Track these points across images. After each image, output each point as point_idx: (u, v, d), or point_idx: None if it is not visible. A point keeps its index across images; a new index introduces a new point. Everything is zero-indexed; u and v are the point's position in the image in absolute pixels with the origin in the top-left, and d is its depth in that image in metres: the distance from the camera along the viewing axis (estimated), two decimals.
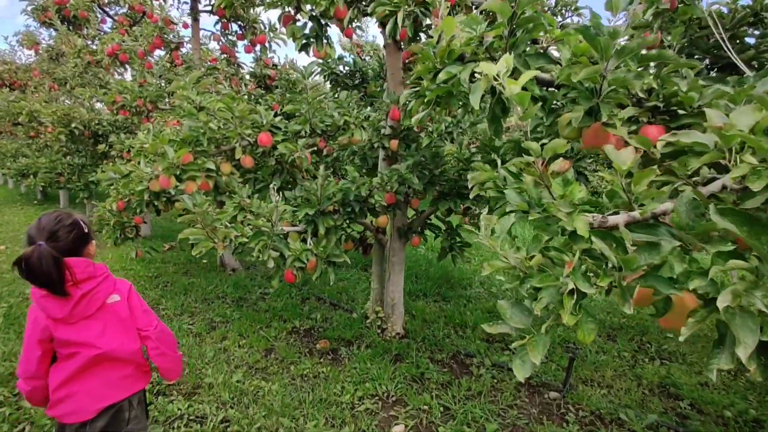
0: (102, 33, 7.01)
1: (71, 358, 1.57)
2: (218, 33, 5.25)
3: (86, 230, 1.60)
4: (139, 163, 3.05)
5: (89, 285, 1.55)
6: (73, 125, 5.86)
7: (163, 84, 6.22)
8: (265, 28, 5.02)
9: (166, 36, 4.98)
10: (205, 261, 6.26)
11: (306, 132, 2.77)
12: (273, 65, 5.07)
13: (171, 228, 8.41)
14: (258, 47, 5.17)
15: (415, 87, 1.98)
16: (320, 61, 2.68)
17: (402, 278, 3.84)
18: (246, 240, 2.33)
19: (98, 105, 7.87)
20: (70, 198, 11.74)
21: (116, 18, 6.90)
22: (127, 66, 6.74)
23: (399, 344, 3.65)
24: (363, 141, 2.86)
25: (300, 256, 2.58)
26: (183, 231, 2.22)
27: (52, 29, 7.10)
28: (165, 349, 1.73)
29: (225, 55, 5.18)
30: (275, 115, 3.03)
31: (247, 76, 5.24)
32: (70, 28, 6.75)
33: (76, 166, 7.06)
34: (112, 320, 1.62)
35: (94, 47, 5.70)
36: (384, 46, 3.52)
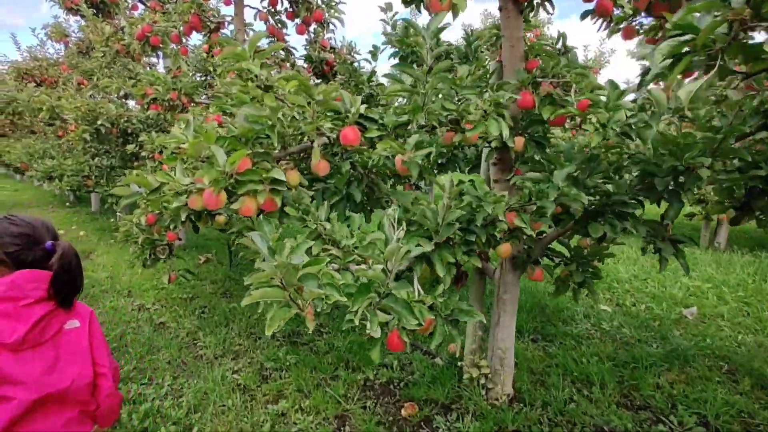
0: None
1: (2, 404, 1.18)
2: (265, 11, 4.42)
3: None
4: (173, 170, 2.20)
5: (50, 305, 1.28)
6: (98, 122, 5.15)
7: (198, 77, 5.41)
8: (322, 2, 4.13)
9: (204, 14, 4.17)
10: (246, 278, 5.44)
11: (417, 124, 1.85)
12: (331, 48, 4.20)
13: (206, 235, 7.66)
14: (312, 27, 4.31)
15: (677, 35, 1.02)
16: (448, 17, 1.74)
17: (514, 322, 2.88)
18: (344, 300, 1.42)
19: (130, 102, 7.21)
20: (101, 202, 11.24)
21: (148, 3, 6.16)
22: (158, 54, 6.00)
23: (514, 413, 2.69)
24: (495, 136, 1.92)
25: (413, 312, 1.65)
26: (251, 294, 1.33)
27: (79, 16, 6.45)
28: (116, 389, 1.46)
29: (272, 38, 4.34)
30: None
31: (300, 62, 4.40)
32: (99, 15, 6.08)
33: (104, 168, 6.37)
34: (68, 350, 1.32)
35: (125, 37, 4.97)
36: (500, 9, 2.57)
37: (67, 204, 12.11)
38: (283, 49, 4.44)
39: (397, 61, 3.66)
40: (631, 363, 3.41)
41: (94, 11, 5.95)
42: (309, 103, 1.87)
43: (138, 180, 1.84)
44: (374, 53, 3.55)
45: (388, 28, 3.68)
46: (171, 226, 3.38)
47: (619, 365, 3.38)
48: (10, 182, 18.59)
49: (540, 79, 2.32)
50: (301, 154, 2.28)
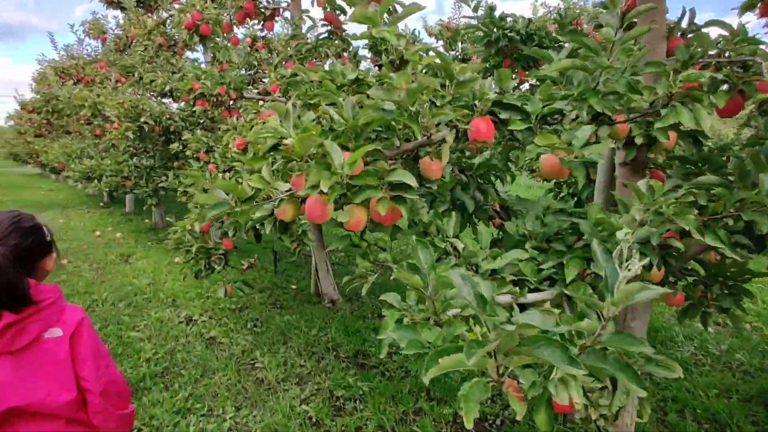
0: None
1: None
2: None
3: (48, 238, 1.30)
4: (253, 173, 1.82)
5: (26, 311, 1.14)
6: (141, 119, 4.86)
7: (242, 72, 5.04)
8: None
9: (259, 0, 3.81)
10: (294, 286, 5.07)
11: (587, 113, 1.40)
12: (399, 35, 3.79)
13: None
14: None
15: None
16: None
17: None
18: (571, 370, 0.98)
19: (165, 100, 6.93)
20: (136, 202, 11.09)
21: None
22: (201, 46, 5.69)
23: None
24: (689, 127, 1.46)
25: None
26: (437, 363, 0.90)
27: (119, 9, 6.22)
28: (112, 406, 1.27)
29: (329, 26, 3.94)
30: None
31: (364, 51, 4.00)
32: (140, 8, 5.82)
33: (143, 168, 6.10)
34: (43, 361, 1.17)
35: (170, 28, 4.66)
36: None
37: (101, 204, 12.04)
38: (340, 39, 4.04)
39: (477, 47, 3.22)
40: (759, 398, 2.89)
41: (135, 3, 5.68)
42: (444, 86, 1.44)
43: (227, 186, 1.44)
44: (453, 40, 3.13)
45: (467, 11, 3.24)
46: (230, 234, 3.02)
47: (748, 401, 2.87)
48: (45, 182, 18.81)
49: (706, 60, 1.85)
50: (406, 154, 1.86)
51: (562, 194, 2.96)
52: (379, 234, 1.73)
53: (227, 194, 1.47)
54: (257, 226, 2.79)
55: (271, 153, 1.46)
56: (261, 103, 4.27)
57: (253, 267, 5.59)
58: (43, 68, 9.31)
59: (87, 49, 8.58)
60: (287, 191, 1.50)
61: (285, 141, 1.39)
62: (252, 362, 3.31)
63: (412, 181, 1.38)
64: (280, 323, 3.95)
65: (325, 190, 1.28)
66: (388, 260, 1.56)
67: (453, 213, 1.55)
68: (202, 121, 5.74)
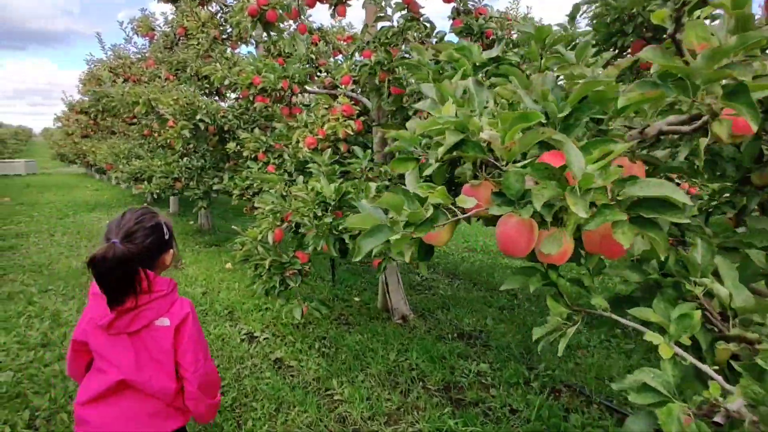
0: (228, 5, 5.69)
1: (100, 374, 1.36)
2: None
3: (167, 236, 1.40)
4: (397, 179, 1.43)
5: (141, 299, 1.31)
6: (197, 117, 4.54)
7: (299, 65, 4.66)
8: None
9: None
10: (357, 299, 4.65)
11: None
12: (488, 17, 3.31)
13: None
14: None
15: None
16: None
17: None
18: None
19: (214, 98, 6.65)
20: (180, 202, 10.98)
21: None
22: (253, 41, 5.34)
23: None
24: None
25: None
26: None
27: (170, 3, 5.97)
28: (205, 396, 1.41)
29: (405, 6, 3.48)
30: None
31: (450, 36, 3.53)
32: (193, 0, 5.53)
33: (194, 169, 5.82)
34: (151, 347, 1.34)
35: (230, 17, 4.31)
36: None
37: (145, 204, 12.01)
38: (420, 20, 3.57)
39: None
40: None
41: None
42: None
43: (392, 203, 0.97)
44: (573, 15, 2.61)
45: None
46: (312, 247, 2.60)
47: None
48: (90, 181, 19.19)
49: None
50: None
51: None
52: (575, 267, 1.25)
53: (384, 212, 1.01)
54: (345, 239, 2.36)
55: (453, 153, 0.99)
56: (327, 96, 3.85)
57: (308, 275, 5.19)
58: (91, 68, 9.25)
59: (134, 48, 8.44)
60: (467, 210, 1.03)
61: (481, 135, 0.93)
62: (329, 393, 2.88)
63: (679, 196, 0.88)
64: (351, 344, 3.52)
65: (583, 214, 0.80)
66: (600, 307, 1.08)
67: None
68: (256, 120, 5.39)
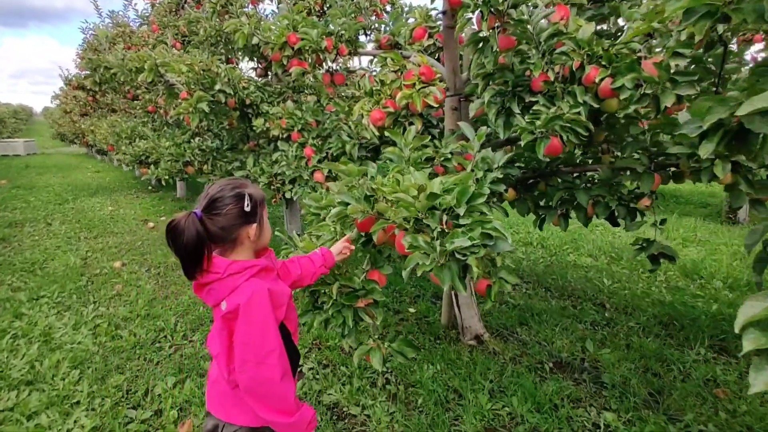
0: None
1: None
2: None
3: (248, 209, 1.26)
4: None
5: (209, 277, 1.24)
6: (216, 87, 3.66)
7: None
8: None
9: None
10: (412, 310, 3.84)
11: None
12: None
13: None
14: None
15: None
16: None
17: None
18: None
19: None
20: (187, 187, 10.16)
21: None
22: None
23: None
24: None
25: None
26: None
27: None
28: (258, 404, 1.21)
29: None
30: None
31: None
32: None
33: (209, 151, 4.95)
34: (216, 325, 1.30)
35: None
36: None
37: (150, 188, 11.19)
38: None
39: None
40: None
41: None
42: None
43: None
44: None
45: None
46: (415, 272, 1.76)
47: None
48: (92, 162, 18.32)
49: None
50: None
51: None
52: None
53: None
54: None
55: None
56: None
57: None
58: (88, 37, 8.29)
59: (133, 14, 7.47)
60: None
61: None
62: None
63: None
64: (426, 381, 2.71)
65: None
66: None
67: None
68: (283, 92, 4.50)
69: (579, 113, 1.94)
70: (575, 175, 2.61)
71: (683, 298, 3.98)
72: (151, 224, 7.10)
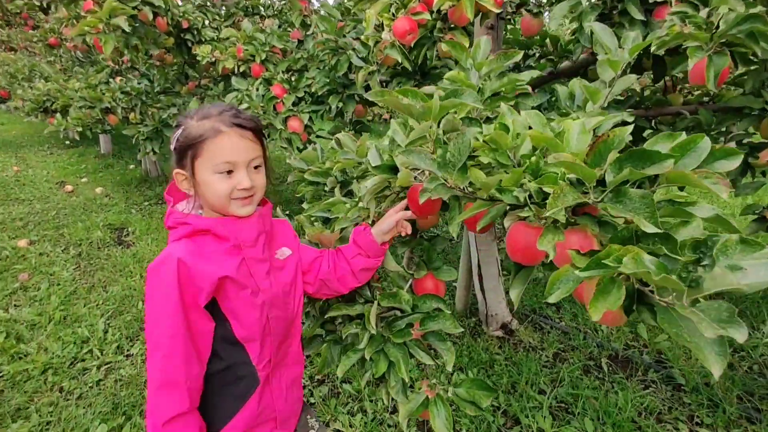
0: None
1: None
2: None
3: (173, 145, 0.94)
4: None
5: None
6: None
7: None
8: None
9: None
10: None
11: None
12: None
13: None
14: None
15: None
16: None
17: None
18: None
19: None
20: (113, 140, 8.69)
21: None
22: None
23: None
24: None
25: None
26: None
27: None
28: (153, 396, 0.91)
29: None
30: None
31: None
32: None
33: (136, 95, 3.81)
34: None
35: None
36: None
37: (67, 142, 9.53)
38: None
39: None
40: None
41: None
42: None
43: None
44: None
45: None
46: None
47: None
48: None
49: None
50: None
51: None
52: None
53: None
54: None
55: None
56: None
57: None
58: None
59: None
60: None
61: None
62: None
63: None
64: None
65: None
66: None
67: None
68: (233, 14, 3.41)
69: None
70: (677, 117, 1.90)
71: None
72: (69, 187, 5.81)
